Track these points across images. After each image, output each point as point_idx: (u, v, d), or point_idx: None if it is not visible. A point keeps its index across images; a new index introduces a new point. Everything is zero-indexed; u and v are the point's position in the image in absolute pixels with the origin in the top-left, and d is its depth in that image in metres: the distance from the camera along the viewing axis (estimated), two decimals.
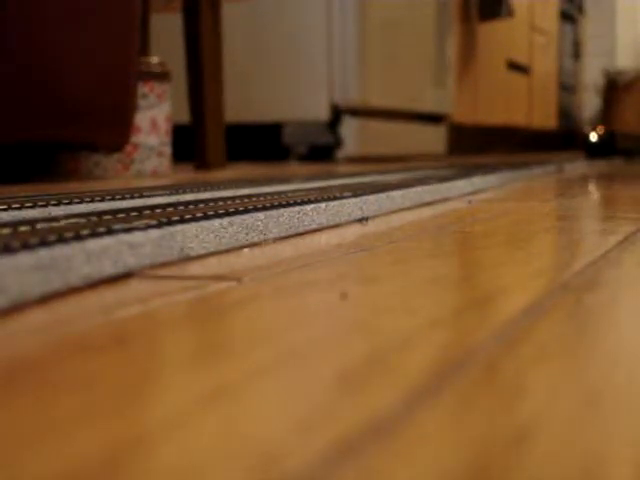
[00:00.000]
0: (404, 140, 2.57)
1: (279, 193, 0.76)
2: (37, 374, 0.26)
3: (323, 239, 0.60)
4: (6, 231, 0.44)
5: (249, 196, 0.71)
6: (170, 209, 0.58)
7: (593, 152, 3.07)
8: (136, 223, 0.47)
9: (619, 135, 3.43)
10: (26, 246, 0.38)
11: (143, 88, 1.43)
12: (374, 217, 0.74)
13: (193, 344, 0.31)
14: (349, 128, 2.25)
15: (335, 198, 0.70)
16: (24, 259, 0.36)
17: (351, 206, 0.71)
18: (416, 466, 0.18)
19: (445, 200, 0.95)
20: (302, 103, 2.24)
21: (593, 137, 3.03)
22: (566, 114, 4.53)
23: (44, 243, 0.39)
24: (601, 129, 3.09)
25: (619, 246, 0.55)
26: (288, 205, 0.62)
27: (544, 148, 4.16)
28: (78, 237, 0.41)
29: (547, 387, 0.24)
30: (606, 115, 4.76)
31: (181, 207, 0.60)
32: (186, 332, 0.32)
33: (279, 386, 0.24)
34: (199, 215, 0.53)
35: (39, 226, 0.46)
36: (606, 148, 3.10)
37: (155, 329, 0.33)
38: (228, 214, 0.54)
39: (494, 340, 0.30)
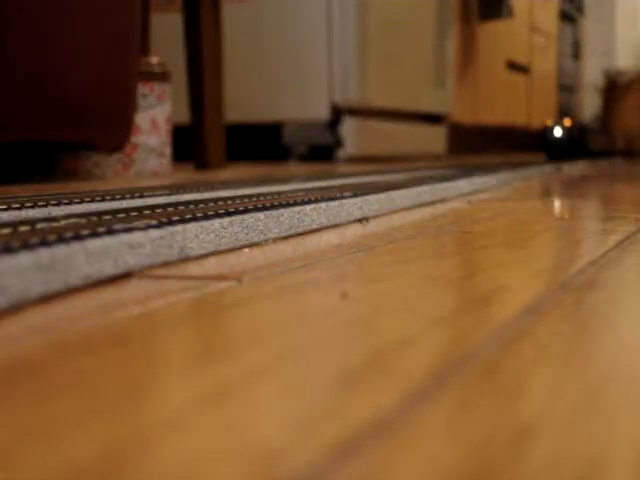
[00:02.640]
0: (404, 140, 2.57)
1: (279, 193, 0.76)
2: (36, 374, 0.26)
3: (323, 239, 0.60)
4: (6, 231, 0.44)
5: (249, 196, 0.71)
6: (170, 209, 0.58)
7: (555, 152, 2.41)
8: (136, 223, 0.47)
9: (592, 132, 2.81)
10: (26, 246, 0.38)
11: (143, 88, 1.43)
12: (374, 217, 0.74)
13: (193, 344, 0.31)
14: (349, 128, 2.25)
15: (335, 198, 0.70)
16: (24, 259, 0.36)
17: (351, 206, 0.71)
18: (416, 466, 0.18)
19: (445, 200, 0.95)
20: (302, 103, 2.24)
21: (557, 132, 2.37)
22: (566, 114, 4.53)
23: (44, 243, 0.39)
24: (568, 122, 2.40)
25: (619, 246, 0.55)
26: (288, 205, 0.62)
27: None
28: (78, 237, 0.41)
29: (547, 387, 0.24)
30: (606, 115, 4.75)
31: (181, 207, 0.60)
32: (186, 332, 0.32)
33: (279, 386, 0.24)
34: (199, 215, 0.53)
35: (39, 226, 0.46)
36: (574, 147, 2.44)
37: (155, 329, 0.33)
38: (228, 214, 0.54)
39: (494, 340, 0.30)
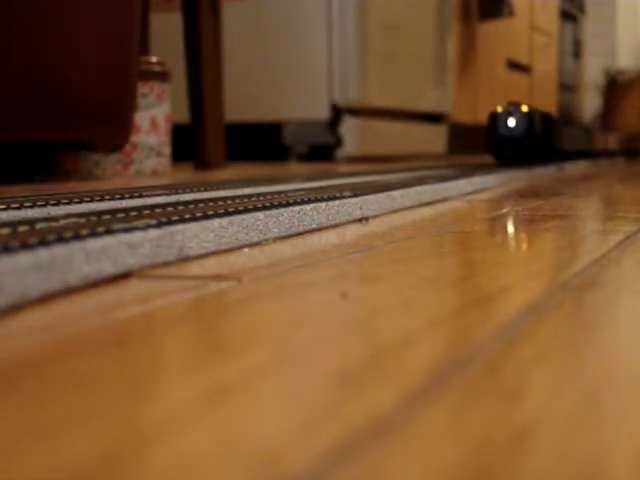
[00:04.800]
0: (404, 140, 2.57)
1: (279, 193, 0.76)
2: (36, 374, 0.26)
3: (323, 239, 0.60)
4: (5, 231, 0.44)
5: (249, 196, 0.71)
6: (170, 209, 0.58)
7: (508, 152, 1.65)
8: (136, 223, 0.47)
9: (565, 125, 2.10)
10: (25, 246, 0.38)
11: (143, 88, 1.43)
12: (374, 217, 0.74)
13: (193, 344, 0.30)
14: (349, 128, 2.25)
15: (335, 198, 0.70)
16: (23, 259, 0.35)
17: (351, 206, 0.71)
18: (416, 466, 0.18)
19: (445, 200, 0.95)
20: (302, 103, 2.24)
21: (511, 122, 1.63)
22: (567, 114, 4.53)
23: (43, 243, 0.39)
24: (527, 108, 1.66)
25: (620, 246, 0.55)
26: (288, 205, 0.62)
27: None
28: (77, 237, 0.41)
29: (547, 387, 0.24)
30: (607, 114, 4.75)
31: (181, 207, 0.60)
32: (186, 332, 0.32)
33: (279, 386, 0.24)
34: (199, 215, 0.53)
35: (38, 226, 0.46)
36: (536, 146, 1.68)
37: (155, 329, 0.33)
38: (228, 214, 0.54)
39: (494, 340, 0.30)
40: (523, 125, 1.65)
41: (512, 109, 1.65)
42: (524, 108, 1.64)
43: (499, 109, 1.67)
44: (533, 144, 1.66)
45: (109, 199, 0.69)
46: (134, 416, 0.22)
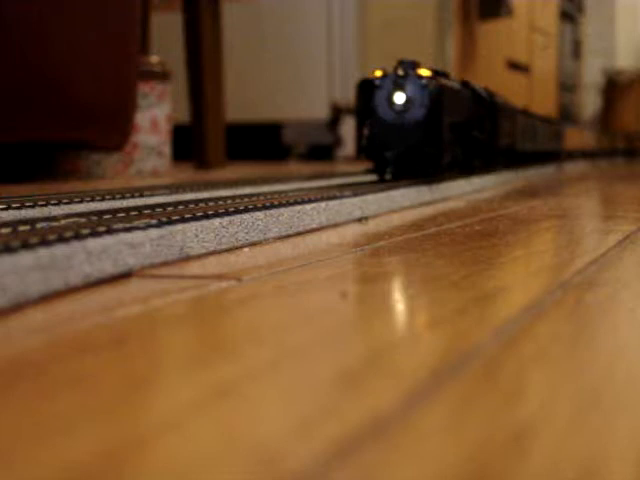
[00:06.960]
0: None
1: (279, 192, 0.76)
2: (37, 373, 0.26)
3: (323, 238, 0.60)
4: (6, 230, 0.44)
5: (249, 195, 0.71)
6: (170, 208, 0.58)
7: (389, 157, 0.87)
8: (136, 222, 0.47)
9: (516, 113, 1.35)
10: (26, 245, 0.38)
11: (143, 88, 1.43)
12: (374, 216, 0.74)
13: (193, 344, 0.31)
14: (349, 128, 2.25)
15: (335, 197, 0.70)
16: (24, 258, 0.35)
17: (351, 205, 0.71)
18: (416, 466, 0.18)
19: (444, 199, 0.95)
20: (302, 103, 2.24)
21: (399, 99, 0.87)
22: (566, 114, 4.53)
23: (44, 242, 0.39)
24: (428, 72, 0.90)
25: (619, 245, 0.55)
26: (288, 204, 0.62)
27: None
28: (78, 236, 0.41)
29: (547, 387, 0.24)
30: (606, 115, 4.75)
31: (181, 206, 0.60)
32: (186, 331, 0.32)
33: (279, 386, 0.24)
34: (199, 214, 0.53)
35: (39, 225, 0.46)
36: (449, 146, 0.95)
37: (155, 329, 0.33)
38: (228, 213, 0.54)
39: (494, 339, 0.30)
40: (422, 104, 0.89)
41: (403, 74, 0.90)
42: (425, 72, 0.91)
43: (378, 74, 0.92)
44: (442, 140, 0.91)
45: (110, 199, 0.69)
46: (134, 416, 0.22)
